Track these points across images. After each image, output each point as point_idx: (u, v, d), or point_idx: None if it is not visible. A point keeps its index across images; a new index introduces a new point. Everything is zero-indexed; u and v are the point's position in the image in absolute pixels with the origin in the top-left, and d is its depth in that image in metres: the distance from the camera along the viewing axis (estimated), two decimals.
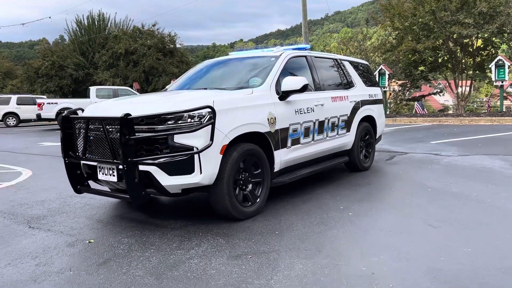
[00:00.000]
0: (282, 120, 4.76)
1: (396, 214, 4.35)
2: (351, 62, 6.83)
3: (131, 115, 3.71)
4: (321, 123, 5.50)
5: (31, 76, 30.02)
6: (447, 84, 20.67)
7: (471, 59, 19.06)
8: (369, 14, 22.85)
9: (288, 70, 5.28)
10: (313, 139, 5.35)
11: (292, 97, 4.95)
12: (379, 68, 18.09)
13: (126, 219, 4.45)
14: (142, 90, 25.04)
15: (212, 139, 3.80)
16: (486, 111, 20.89)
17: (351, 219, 4.21)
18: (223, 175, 4.02)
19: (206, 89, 5.07)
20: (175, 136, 3.77)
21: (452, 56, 18.78)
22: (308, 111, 5.24)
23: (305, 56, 5.68)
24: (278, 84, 4.87)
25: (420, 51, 17.70)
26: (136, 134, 3.74)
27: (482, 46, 18.67)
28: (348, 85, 6.44)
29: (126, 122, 3.67)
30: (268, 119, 4.53)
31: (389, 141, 10.40)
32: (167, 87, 6.10)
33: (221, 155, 3.97)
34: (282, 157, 4.80)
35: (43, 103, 19.33)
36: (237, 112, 4.19)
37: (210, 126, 3.80)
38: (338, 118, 5.90)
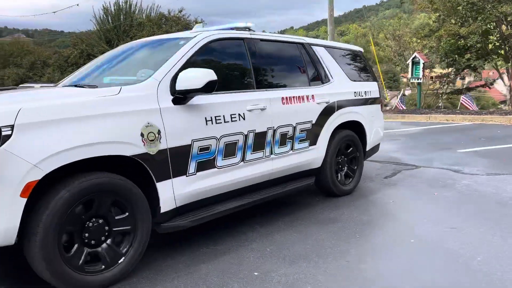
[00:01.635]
0: (177, 134, 3.13)
1: None
2: (329, 48, 5.01)
3: None
4: (260, 136, 3.80)
5: (62, 65, 29.87)
6: (499, 74, 17.81)
7: None
8: None
9: (208, 60, 3.63)
10: (243, 160, 3.67)
11: (197, 100, 3.30)
12: (413, 56, 15.73)
13: None
14: None
15: None
16: None
17: None
18: (35, 230, 2.48)
19: (83, 86, 3.50)
20: None
21: (506, 42, 15.99)
22: (234, 119, 3.56)
23: (243, 39, 3.96)
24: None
25: (464, 36, 15.11)
26: None
27: None
28: (318, 79, 4.65)
29: None
30: (143, 134, 2.92)
31: (405, 146, 8.40)
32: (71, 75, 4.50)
33: (25, 199, 2.42)
34: (178, 190, 3.18)
35: None
36: (70, 125, 2.61)
37: None
38: (294, 127, 4.16)
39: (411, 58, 15.98)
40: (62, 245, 2.61)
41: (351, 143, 5.04)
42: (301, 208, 4.53)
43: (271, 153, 3.95)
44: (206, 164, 3.37)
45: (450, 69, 17.57)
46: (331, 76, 4.80)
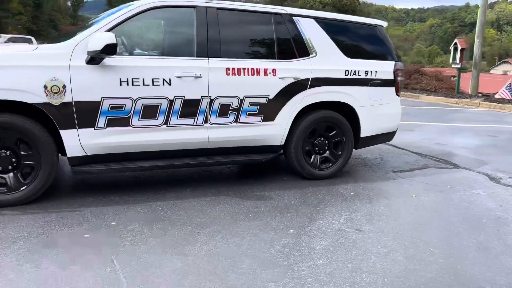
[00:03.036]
0: (84, 90, 3.55)
1: None
2: (322, 20, 4.61)
3: None
4: (191, 103, 3.92)
5: None
6: None
7: None
8: None
9: (140, 25, 3.91)
10: (166, 123, 3.87)
11: (112, 61, 3.62)
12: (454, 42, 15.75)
13: None
14: None
15: None
16: None
17: None
18: None
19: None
20: None
21: None
22: (156, 83, 3.77)
23: (194, 7, 4.05)
24: None
25: None
26: None
27: None
28: (291, 53, 4.38)
29: None
30: (46, 87, 3.43)
31: (489, 145, 7.04)
32: None
33: None
34: (86, 140, 3.63)
35: None
36: None
37: None
38: (241, 99, 4.11)
39: (452, 44, 16.59)
40: None
41: (334, 125, 4.65)
42: (246, 181, 4.49)
43: (205, 122, 4.02)
44: (118, 121, 3.71)
45: None
46: (313, 50, 4.46)
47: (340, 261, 2.78)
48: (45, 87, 3.43)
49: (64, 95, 3.49)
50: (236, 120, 4.15)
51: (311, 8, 24.77)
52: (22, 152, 3.52)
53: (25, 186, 3.54)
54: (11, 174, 3.52)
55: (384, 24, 5.16)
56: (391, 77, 4.90)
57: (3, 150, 3.47)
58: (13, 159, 3.51)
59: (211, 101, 4.00)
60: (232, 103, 4.09)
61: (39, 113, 3.49)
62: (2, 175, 3.50)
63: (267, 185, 4.38)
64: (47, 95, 3.44)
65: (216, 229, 3.22)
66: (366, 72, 4.71)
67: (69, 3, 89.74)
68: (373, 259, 2.83)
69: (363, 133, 4.82)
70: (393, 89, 4.95)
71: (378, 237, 3.19)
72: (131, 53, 3.92)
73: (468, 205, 4.01)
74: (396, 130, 5.21)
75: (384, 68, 4.85)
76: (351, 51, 4.70)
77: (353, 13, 25.46)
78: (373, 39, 4.96)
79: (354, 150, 4.91)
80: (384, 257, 2.88)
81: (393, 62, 4.95)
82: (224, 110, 4.07)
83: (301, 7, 24.96)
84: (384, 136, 5.11)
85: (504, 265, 2.84)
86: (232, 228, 3.26)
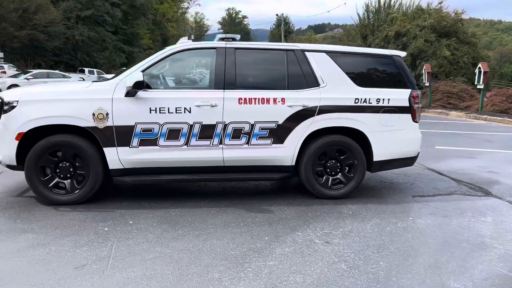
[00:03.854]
0: (122, 117, 4.55)
1: None
2: (334, 54, 5.05)
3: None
4: (208, 127, 4.69)
5: None
6: None
7: None
8: None
9: (170, 65, 4.86)
10: (187, 144, 4.69)
11: (146, 94, 4.58)
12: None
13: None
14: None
15: None
16: None
17: None
18: (30, 162, 4.49)
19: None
20: None
21: None
22: (178, 111, 4.64)
23: (215, 48, 4.86)
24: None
25: None
26: None
27: None
28: (301, 84, 4.90)
29: None
30: (94, 114, 4.51)
31: None
32: None
33: (17, 141, 4.46)
34: (123, 155, 4.62)
35: None
36: (44, 104, 4.48)
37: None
38: (252, 125, 4.76)
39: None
40: (40, 174, 4.55)
41: (345, 149, 5.00)
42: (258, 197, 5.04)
43: (220, 143, 4.75)
44: (148, 142, 4.63)
45: None
46: (322, 81, 4.93)
47: (287, 264, 3.24)
48: (93, 114, 4.50)
49: (107, 120, 4.52)
50: (247, 142, 4.79)
51: (407, 31, 24.20)
52: (77, 164, 4.62)
53: (78, 190, 4.63)
54: (68, 180, 4.64)
55: (402, 54, 5.39)
56: (406, 104, 5.10)
57: (64, 162, 4.61)
58: (71, 169, 4.63)
59: (225, 126, 4.72)
60: (244, 127, 4.76)
61: (89, 134, 4.58)
62: (62, 181, 4.64)
63: (276, 201, 4.91)
64: (94, 121, 4.50)
65: (205, 233, 3.88)
66: (378, 100, 5.00)
67: (192, 37, 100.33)
68: (319, 265, 3.23)
69: (376, 158, 5.07)
70: (409, 115, 5.13)
71: (339, 250, 3.53)
72: (160, 87, 4.86)
73: (461, 230, 4.06)
74: (417, 155, 5.32)
75: (398, 96, 5.08)
76: (362, 80, 5.05)
77: (455, 34, 24.09)
78: (388, 68, 5.22)
79: (384, 171, 5.19)
80: (331, 265, 3.24)
81: (409, 90, 5.14)
82: (236, 134, 4.76)
83: (397, 32, 24.65)
84: (402, 161, 5.27)
85: (439, 284, 3.00)
86: (218, 233, 3.89)
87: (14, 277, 2.98)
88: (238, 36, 5.08)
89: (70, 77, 27.01)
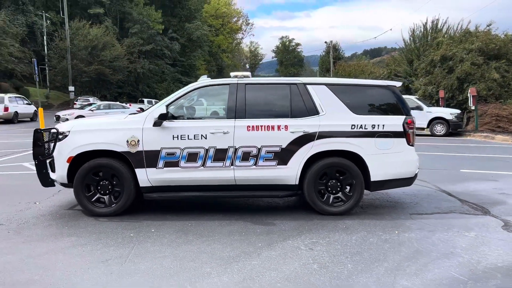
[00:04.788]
0: (150, 143, 5.49)
1: None
2: (333, 86, 5.72)
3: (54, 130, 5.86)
4: (221, 151, 5.50)
5: None
6: None
7: None
8: None
9: (190, 99, 5.78)
10: (203, 165, 5.52)
11: (169, 124, 5.51)
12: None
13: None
14: (449, 99, 23.10)
15: (53, 151, 5.52)
16: None
17: None
18: (77, 181, 5.54)
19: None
20: (51, 145, 5.73)
21: None
22: (196, 138, 5.50)
23: (228, 84, 5.72)
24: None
25: None
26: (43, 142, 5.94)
27: None
28: (303, 112, 5.59)
29: (37, 132, 5.94)
30: (128, 141, 5.49)
31: None
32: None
33: (68, 163, 5.53)
34: (151, 175, 5.53)
35: None
36: (89, 133, 5.55)
37: (55, 141, 5.53)
38: (259, 148, 5.51)
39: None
40: (86, 189, 5.57)
41: (344, 170, 5.59)
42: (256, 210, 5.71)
43: (232, 164, 5.53)
44: (171, 164, 5.52)
45: None
46: (321, 109, 5.60)
47: (268, 264, 3.90)
48: (127, 141, 5.48)
49: (138, 146, 5.48)
50: (255, 164, 5.54)
51: (453, 55, 23.95)
52: (114, 182, 5.60)
53: (114, 204, 5.59)
54: (107, 196, 5.62)
55: (398, 84, 5.92)
56: (400, 129, 5.61)
57: (104, 181, 5.61)
58: (109, 187, 5.61)
59: (236, 150, 5.50)
60: (252, 151, 5.52)
61: (123, 158, 5.55)
62: (102, 196, 5.63)
63: (282, 216, 5.57)
64: (128, 146, 5.48)
65: (210, 239, 4.63)
66: (373, 126, 5.57)
67: (247, 66, 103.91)
68: (295, 265, 3.85)
69: (373, 178, 5.59)
70: (403, 139, 5.63)
71: (318, 255, 4.13)
72: (182, 118, 5.76)
73: (438, 242, 4.48)
74: (414, 176, 5.77)
75: (393, 122, 5.62)
76: (359, 109, 5.65)
77: (506, 56, 23.44)
78: (384, 97, 5.78)
79: (394, 192, 5.73)
80: (305, 265, 3.86)
81: (403, 117, 5.66)
82: (246, 156, 5.52)
83: (442, 56, 24.45)
84: (400, 181, 5.74)
85: (391, 282, 3.50)
86: (221, 240, 4.62)
87: (57, 265, 3.90)
88: (249, 73, 5.92)
89: (129, 108, 29.32)
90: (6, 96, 24.72)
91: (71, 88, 41.70)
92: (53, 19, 46.60)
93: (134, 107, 32.49)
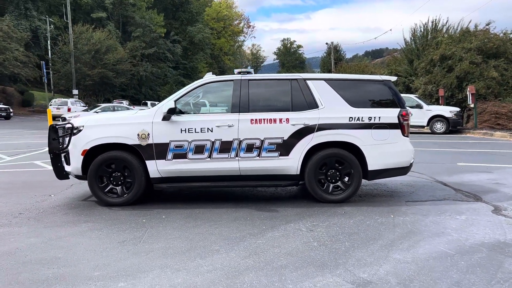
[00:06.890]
0: (160, 136, 5.83)
1: None
2: (331, 81, 6.05)
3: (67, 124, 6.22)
4: (226, 143, 5.83)
5: None
6: None
7: None
8: None
9: (197, 95, 6.11)
10: (209, 157, 5.86)
11: (177, 118, 5.85)
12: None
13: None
14: (449, 98, 23.39)
15: (68, 144, 5.86)
16: None
17: None
18: (91, 173, 5.88)
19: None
20: (65, 139, 6.07)
21: None
22: (203, 131, 5.84)
23: (233, 80, 6.06)
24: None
25: None
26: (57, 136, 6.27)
27: None
28: (303, 106, 5.92)
29: (53, 127, 6.29)
30: (138, 135, 5.83)
31: None
32: None
33: (82, 156, 5.87)
34: (161, 167, 5.87)
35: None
36: (102, 128, 5.90)
37: (70, 136, 5.88)
38: (262, 140, 5.84)
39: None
40: (99, 180, 5.91)
41: (343, 160, 5.91)
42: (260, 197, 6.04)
43: (236, 156, 5.86)
44: (179, 155, 5.86)
45: None
46: (321, 103, 5.93)
47: (272, 242, 4.23)
48: (138, 135, 5.82)
49: (148, 139, 5.82)
50: (259, 155, 5.87)
51: (452, 54, 24.25)
52: (126, 174, 5.94)
53: (126, 194, 5.93)
54: (119, 187, 5.96)
55: (393, 78, 6.25)
56: (395, 121, 5.94)
57: (116, 172, 5.95)
58: (121, 178, 5.95)
59: (240, 142, 5.84)
60: (255, 143, 5.85)
61: (134, 150, 5.89)
62: (115, 187, 5.97)
63: (284, 204, 5.90)
64: (138, 140, 5.82)
65: (218, 224, 4.96)
66: (370, 118, 5.90)
67: (249, 67, 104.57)
68: (296, 243, 4.18)
69: (370, 167, 5.92)
70: (399, 131, 5.96)
71: (318, 235, 4.46)
72: (189, 112, 6.10)
73: (431, 224, 4.80)
74: (409, 166, 6.09)
75: (388, 114, 5.94)
76: (356, 102, 5.98)
77: (504, 55, 23.71)
78: (380, 91, 6.11)
79: (393, 178, 6.31)
80: (306, 243, 4.19)
81: (398, 109, 5.99)
82: (249, 148, 5.85)
83: (441, 55, 24.72)
84: (396, 170, 6.06)
85: (384, 255, 3.83)
86: (228, 224, 4.95)
87: (78, 246, 4.24)
88: (251, 70, 6.26)
89: (133, 110, 29.73)
90: (69, 100, 34.37)
91: (75, 92, 42.15)
92: (57, 24, 47.10)
93: (137, 109, 33.00)
